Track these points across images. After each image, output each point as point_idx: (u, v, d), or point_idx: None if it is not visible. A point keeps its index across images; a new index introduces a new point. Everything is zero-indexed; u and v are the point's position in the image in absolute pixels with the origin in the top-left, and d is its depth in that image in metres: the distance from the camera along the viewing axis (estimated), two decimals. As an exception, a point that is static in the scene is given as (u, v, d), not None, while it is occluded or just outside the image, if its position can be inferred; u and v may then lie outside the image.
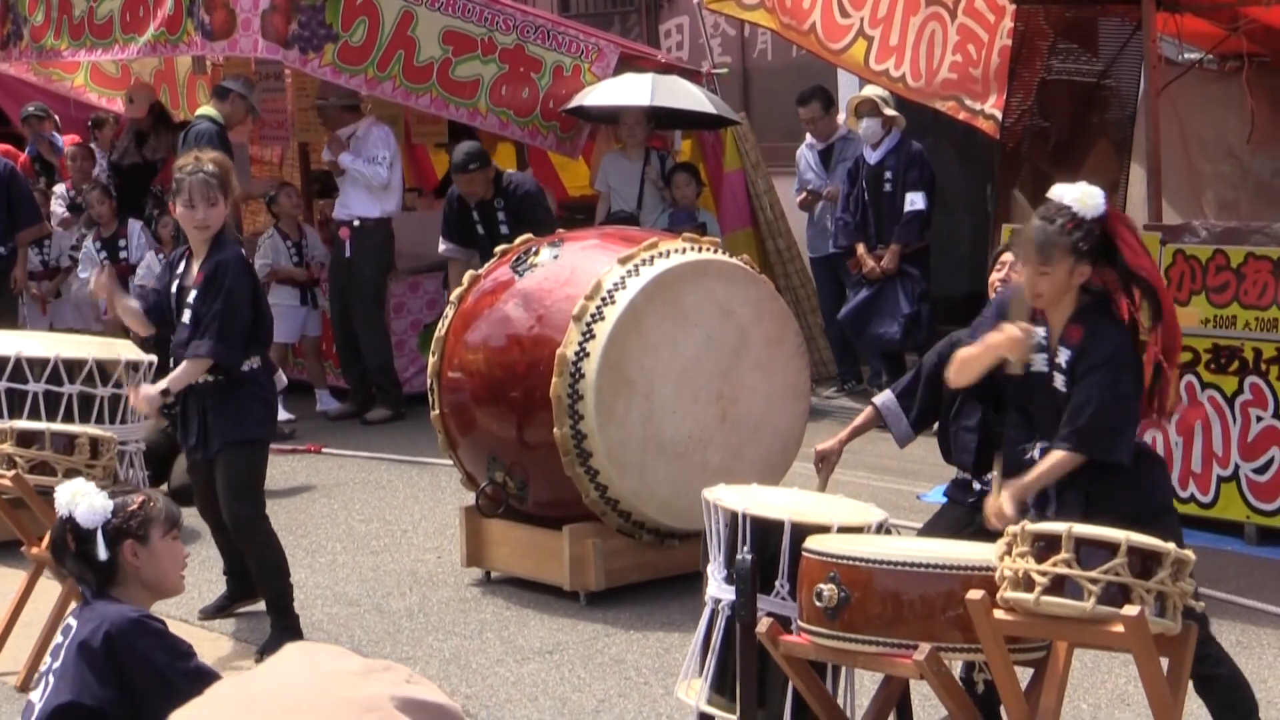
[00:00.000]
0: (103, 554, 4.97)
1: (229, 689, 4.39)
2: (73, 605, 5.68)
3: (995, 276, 7.49)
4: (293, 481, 11.67)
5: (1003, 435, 7.21)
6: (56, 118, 17.05)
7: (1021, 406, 6.38)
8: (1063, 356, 6.12)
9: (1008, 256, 7.51)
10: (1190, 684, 6.23)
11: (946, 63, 11.81)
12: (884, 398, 7.70)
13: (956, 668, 5.72)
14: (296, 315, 13.98)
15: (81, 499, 5.01)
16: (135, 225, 14.77)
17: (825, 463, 7.41)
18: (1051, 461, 6.08)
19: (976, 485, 7.49)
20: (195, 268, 8.29)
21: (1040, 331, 6.22)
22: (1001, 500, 6.06)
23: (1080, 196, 6.09)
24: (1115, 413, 6.04)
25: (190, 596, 9.11)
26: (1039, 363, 6.19)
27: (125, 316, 8.65)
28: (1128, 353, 6.09)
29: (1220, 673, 6.29)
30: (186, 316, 8.22)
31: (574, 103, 13.61)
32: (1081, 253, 6.05)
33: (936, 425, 7.63)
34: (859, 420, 7.70)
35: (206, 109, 13.55)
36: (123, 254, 14.70)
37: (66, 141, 17.26)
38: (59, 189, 15.71)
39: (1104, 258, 6.11)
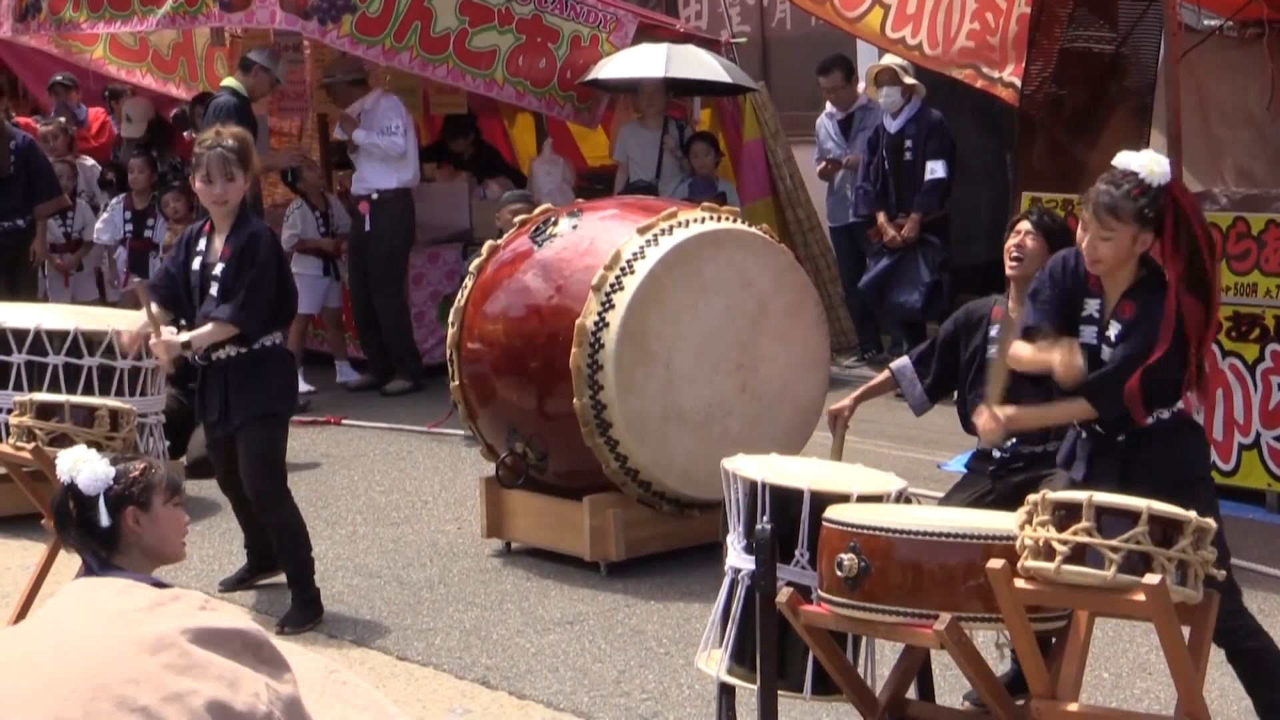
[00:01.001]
0: (105, 521, 4.92)
1: (4, 641, 4.30)
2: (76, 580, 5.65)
3: (1010, 243, 7.46)
4: (313, 453, 11.69)
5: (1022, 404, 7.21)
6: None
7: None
8: (1113, 330, 6.09)
9: (1023, 225, 7.48)
10: (1224, 657, 6.26)
11: (964, 30, 11.74)
12: (900, 363, 7.71)
13: (978, 637, 5.71)
14: (319, 286, 13.98)
15: (83, 465, 4.97)
16: None
17: (839, 421, 7.40)
18: (1061, 406, 6.11)
19: (997, 454, 7.48)
20: (219, 243, 8.29)
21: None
22: (993, 410, 6.14)
23: (1147, 163, 6.04)
24: (1127, 373, 5.98)
25: (212, 568, 9.15)
26: (1088, 335, 6.15)
27: (166, 351, 8.45)
28: (1170, 327, 5.98)
29: (1250, 645, 6.26)
30: (214, 290, 8.22)
31: (589, 75, 13.60)
32: (1146, 219, 5.99)
33: (956, 394, 7.64)
34: (874, 382, 7.73)
35: (230, 81, 13.50)
36: (148, 231, 14.69)
37: (90, 116, 17.29)
38: None
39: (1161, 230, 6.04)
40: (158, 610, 4.31)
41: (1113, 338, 6.07)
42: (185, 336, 8.25)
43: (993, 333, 7.58)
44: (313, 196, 14.15)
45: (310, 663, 4.43)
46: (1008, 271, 7.52)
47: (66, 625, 4.35)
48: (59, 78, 16.88)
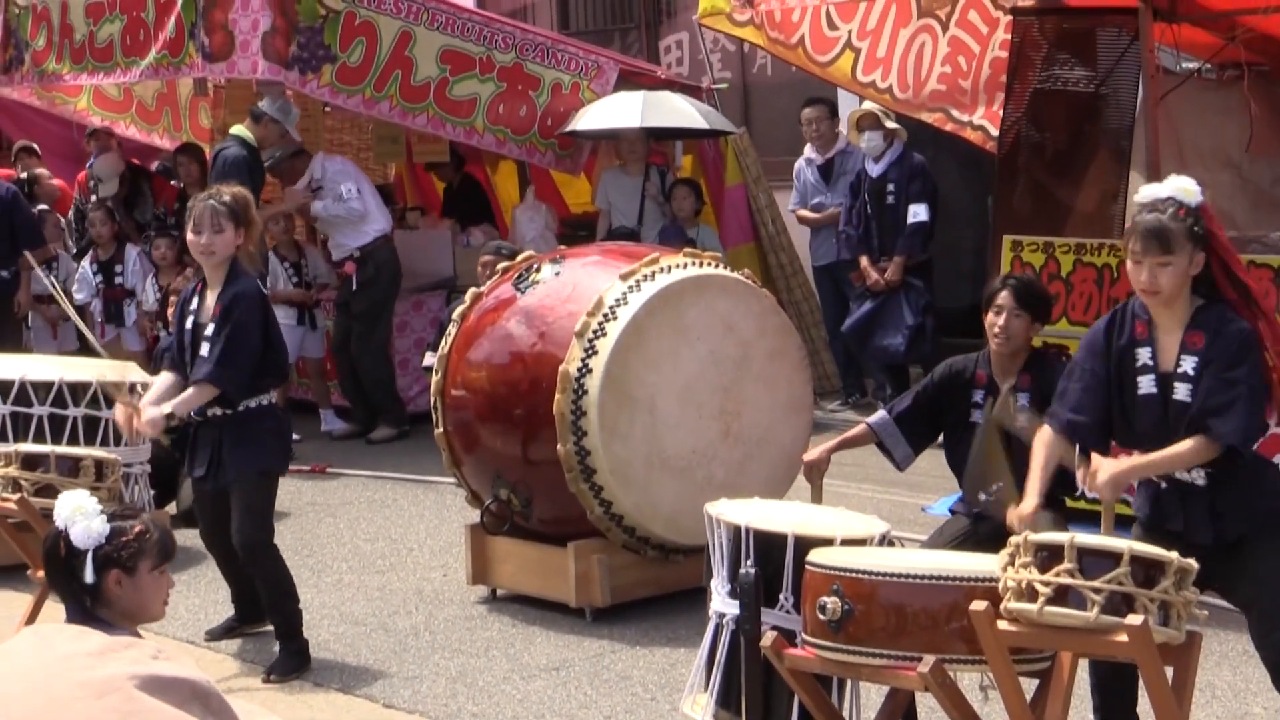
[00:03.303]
0: (89, 578, 4.90)
1: None
2: None
3: (993, 319, 7.48)
4: (298, 501, 11.68)
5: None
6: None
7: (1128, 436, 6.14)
8: (1187, 364, 5.92)
9: (1004, 299, 7.49)
10: (1208, 697, 6.26)
11: (935, 74, 11.81)
12: (879, 419, 7.80)
13: (963, 680, 5.73)
14: (293, 335, 13.92)
15: (80, 519, 4.92)
16: (133, 250, 14.82)
17: (815, 471, 7.45)
18: (1182, 449, 5.88)
19: (982, 495, 7.52)
20: (210, 301, 8.30)
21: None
22: (1102, 471, 5.91)
23: (1181, 186, 6.00)
24: (1255, 404, 5.87)
25: (198, 618, 9.14)
26: (1147, 385, 6.00)
27: (153, 429, 8.49)
28: (1255, 345, 5.89)
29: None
30: (204, 350, 8.22)
31: (568, 127, 13.64)
32: (1198, 238, 5.92)
33: (945, 447, 7.70)
34: (851, 433, 7.77)
35: (239, 129, 13.42)
36: (118, 278, 14.73)
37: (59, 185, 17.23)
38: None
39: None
40: (108, 656, 4.31)
41: (1189, 372, 5.92)
42: (168, 407, 8.25)
43: (976, 398, 7.65)
44: (282, 248, 14.17)
45: (265, 722, 4.43)
46: (993, 346, 7.58)
47: (16, 667, 4.36)
48: (97, 126, 16.83)
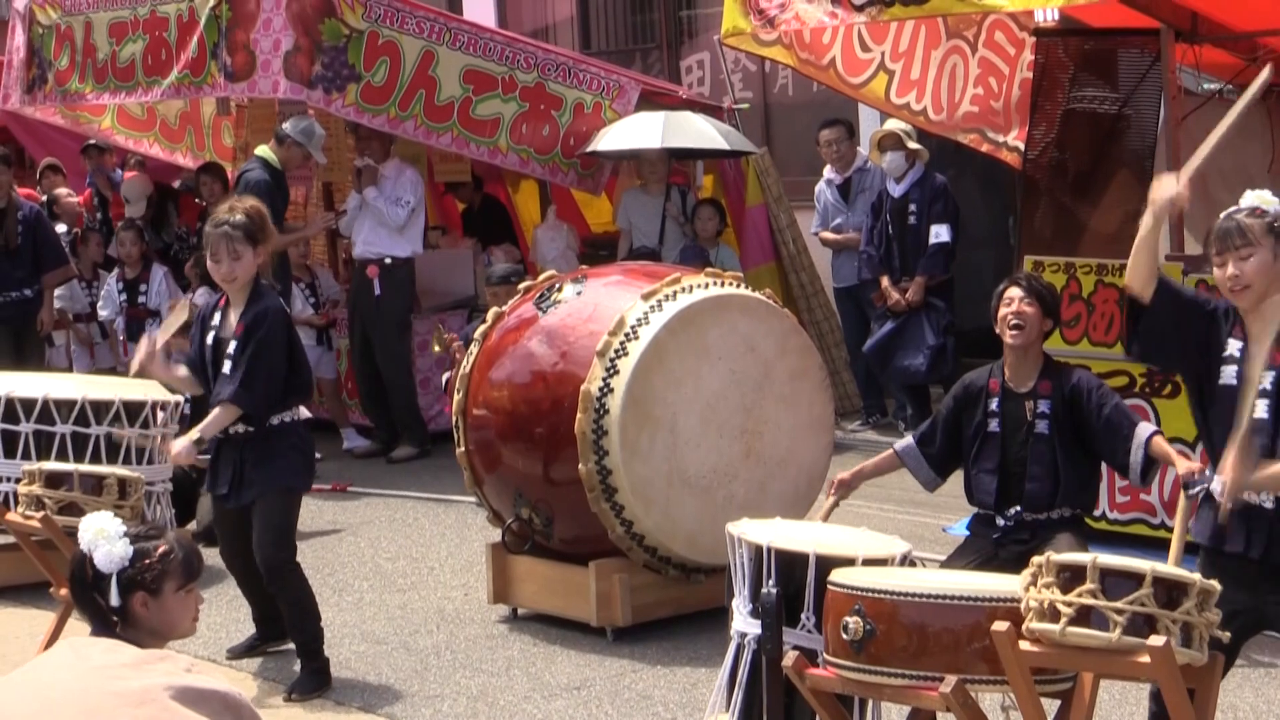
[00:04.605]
0: (114, 600, 4.90)
1: None
2: None
3: (1006, 311, 7.50)
4: (319, 520, 11.69)
5: (1026, 475, 7.29)
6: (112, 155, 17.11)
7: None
8: (1267, 380, 5.84)
9: (1014, 292, 7.52)
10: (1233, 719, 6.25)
11: (968, 96, 11.82)
12: (904, 445, 7.82)
13: (984, 700, 5.72)
14: (313, 355, 13.93)
15: (103, 543, 4.91)
16: (159, 271, 14.84)
17: (842, 488, 7.46)
18: None
19: (1000, 521, 7.53)
20: (234, 318, 8.33)
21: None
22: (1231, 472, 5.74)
23: (1258, 195, 5.99)
24: None
25: (219, 636, 9.15)
26: (1228, 376, 5.93)
27: (179, 383, 8.66)
28: None
29: None
30: (226, 367, 8.25)
31: (589, 147, 13.64)
32: (1278, 233, 5.89)
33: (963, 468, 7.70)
34: (878, 461, 7.78)
35: (264, 150, 13.46)
36: (142, 298, 14.76)
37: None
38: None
39: None
40: (143, 667, 4.35)
41: (1268, 388, 5.83)
42: (195, 433, 8.27)
43: (992, 405, 7.63)
44: (296, 270, 14.18)
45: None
46: (1009, 341, 7.56)
47: (53, 676, 4.39)
48: (93, 141, 16.91)
